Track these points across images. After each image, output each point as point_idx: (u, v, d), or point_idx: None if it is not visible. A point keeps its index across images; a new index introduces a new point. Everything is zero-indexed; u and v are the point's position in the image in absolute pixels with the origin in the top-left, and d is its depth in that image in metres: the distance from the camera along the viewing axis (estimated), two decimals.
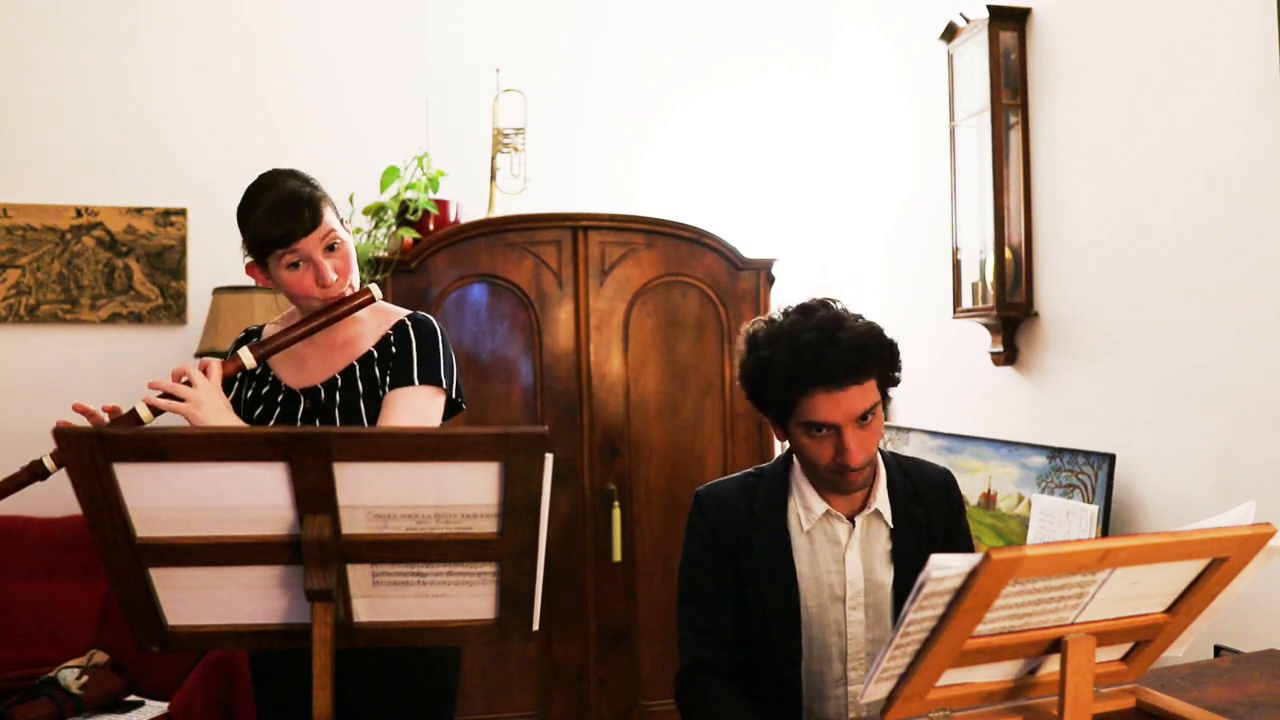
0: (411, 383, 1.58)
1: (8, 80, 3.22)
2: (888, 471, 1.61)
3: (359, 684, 1.57)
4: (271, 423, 1.60)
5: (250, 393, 1.65)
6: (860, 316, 1.52)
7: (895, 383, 1.54)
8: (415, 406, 1.57)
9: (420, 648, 1.54)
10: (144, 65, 3.32)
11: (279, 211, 1.53)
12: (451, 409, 1.66)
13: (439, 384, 1.60)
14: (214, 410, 1.45)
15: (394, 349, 1.62)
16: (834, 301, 1.55)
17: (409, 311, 1.68)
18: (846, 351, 1.43)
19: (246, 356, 1.53)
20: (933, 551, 1.55)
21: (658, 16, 3.72)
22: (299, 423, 1.59)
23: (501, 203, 3.13)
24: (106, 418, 1.44)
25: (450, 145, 3.26)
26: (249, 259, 1.60)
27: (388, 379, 1.60)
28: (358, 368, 1.61)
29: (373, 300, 1.59)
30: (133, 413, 1.44)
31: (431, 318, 1.68)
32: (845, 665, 1.55)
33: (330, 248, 1.56)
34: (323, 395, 1.60)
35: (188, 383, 1.46)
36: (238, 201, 1.59)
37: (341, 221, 1.62)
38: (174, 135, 3.31)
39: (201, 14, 3.37)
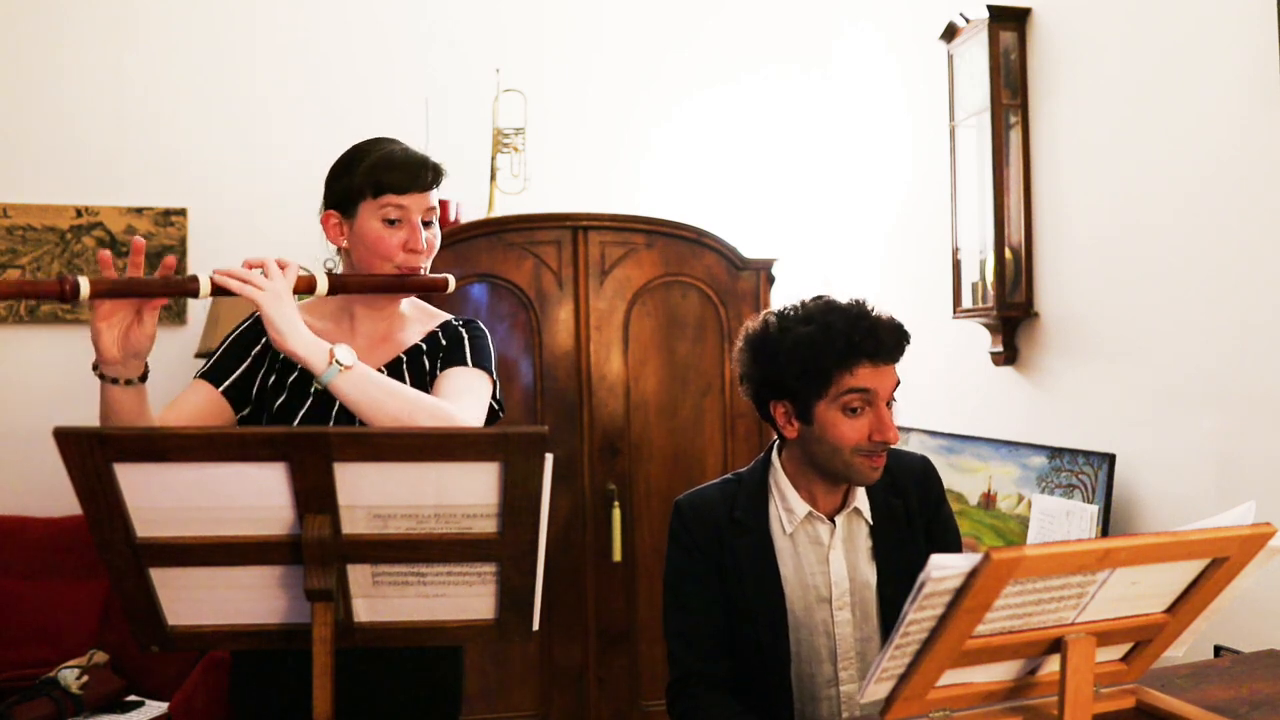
0: (465, 364, 1.52)
1: (8, 80, 3.22)
2: None
3: (358, 682, 1.52)
4: (300, 415, 1.49)
5: (273, 379, 1.53)
6: None
7: None
8: (471, 385, 1.50)
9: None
10: (144, 65, 3.32)
11: (403, 161, 1.48)
12: (491, 416, 1.58)
13: (490, 373, 1.54)
14: (289, 308, 1.35)
15: (444, 342, 1.56)
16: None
17: (453, 315, 1.63)
18: (891, 330, 1.52)
19: (322, 280, 1.40)
20: (915, 543, 1.58)
21: (657, 16, 3.72)
22: (333, 420, 1.48)
23: (501, 203, 3.13)
24: (116, 273, 1.30)
25: (450, 145, 3.26)
26: (329, 209, 1.52)
27: (438, 368, 1.53)
28: (405, 360, 1.54)
29: (448, 287, 1.51)
30: (193, 279, 1.34)
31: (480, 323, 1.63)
32: (836, 666, 1.55)
33: (428, 224, 1.51)
34: None
35: (263, 275, 1.37)
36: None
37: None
38: (174, 135, 3.30)
39: (201, 14, 3.37)
